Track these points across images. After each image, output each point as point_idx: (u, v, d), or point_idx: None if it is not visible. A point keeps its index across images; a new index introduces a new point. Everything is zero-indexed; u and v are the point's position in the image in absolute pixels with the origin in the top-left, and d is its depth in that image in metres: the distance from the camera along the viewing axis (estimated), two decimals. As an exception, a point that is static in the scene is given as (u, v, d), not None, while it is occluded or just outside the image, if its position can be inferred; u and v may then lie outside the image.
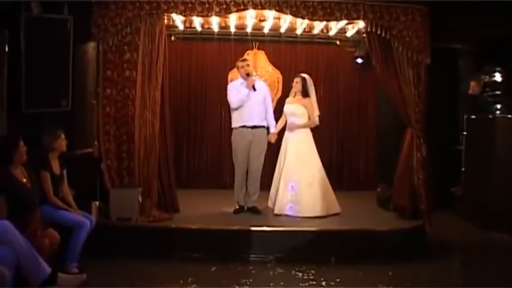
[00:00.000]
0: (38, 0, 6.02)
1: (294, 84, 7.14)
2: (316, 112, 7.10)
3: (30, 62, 5.88)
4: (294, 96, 7.16)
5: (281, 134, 7.17)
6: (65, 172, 5.42)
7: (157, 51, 6.41)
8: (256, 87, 6.82)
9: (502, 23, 7.72)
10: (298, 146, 6.95)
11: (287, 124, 7.11)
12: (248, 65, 6.98)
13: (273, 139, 7.07)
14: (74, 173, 5.69)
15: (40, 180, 5.05)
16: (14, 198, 4.53)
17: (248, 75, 6.85)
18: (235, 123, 6.94)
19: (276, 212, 6.80)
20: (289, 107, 7.11)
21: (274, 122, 7.09)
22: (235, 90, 6.91)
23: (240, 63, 7.04)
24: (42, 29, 5.92)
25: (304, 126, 6.98)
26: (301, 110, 7.00)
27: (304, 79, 7.06)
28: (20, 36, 5.82)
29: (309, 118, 7.00)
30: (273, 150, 7.25)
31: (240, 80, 6.97)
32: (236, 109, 6.87)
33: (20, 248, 4.12)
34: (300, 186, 6.80)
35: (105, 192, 6.33)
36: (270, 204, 7.10)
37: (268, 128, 7.06)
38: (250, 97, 6.80)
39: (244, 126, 6.85)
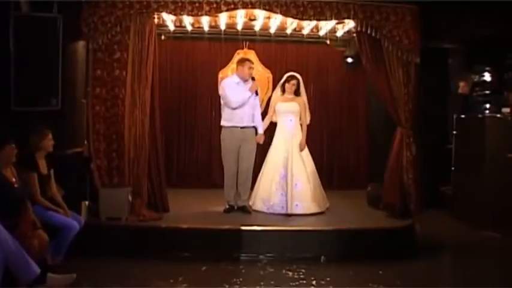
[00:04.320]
0: (27, -1, 6.00)
1: (290, 86, 7.09)
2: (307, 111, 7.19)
3: (20, 60, 5.87)
4: (282, 95, 7.17)
5: (266, 132, 7.15)
6: (52, 172, 5.38)
7: (147, 50, 6.39)
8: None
9: (491, 23, 7.76)
10: (296, 145, 6.96)
11: (283, 124, 7.10)
12: (253, 68, 6.95)
13: (261, 140, 7.00)
14: (64, 172, 5.66)
15: (28, 182, 5.01)
16: (2, 197, 4.49)
17: (253, 79, 6.84)
18: (225, 122, 6.88)
19: (288, 211, 6.69)
20: (283, 105, 7.11)
21: (261, 122, 7.01)
22: (233, 89, 6.81)
23: (246, 63, 6.91)
24: (32, 27, 5.91)
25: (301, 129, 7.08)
26: (297, 108, 7.05)
27: (298, 80, 7.12)
28: (9, 35, 5.80)
29: (300, 118, 7.06)
30: (265, 149, 7.24)
31: (236, 79, 6.90)
32: (229, 107, 6.79)
33: (8, 247, 4.10)
34: (303, 184, 6.86)
35: (94, 191, 6.30)
36: (264, 207, 6.94)
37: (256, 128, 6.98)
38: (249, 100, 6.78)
39: (234, 126, 6.81)
